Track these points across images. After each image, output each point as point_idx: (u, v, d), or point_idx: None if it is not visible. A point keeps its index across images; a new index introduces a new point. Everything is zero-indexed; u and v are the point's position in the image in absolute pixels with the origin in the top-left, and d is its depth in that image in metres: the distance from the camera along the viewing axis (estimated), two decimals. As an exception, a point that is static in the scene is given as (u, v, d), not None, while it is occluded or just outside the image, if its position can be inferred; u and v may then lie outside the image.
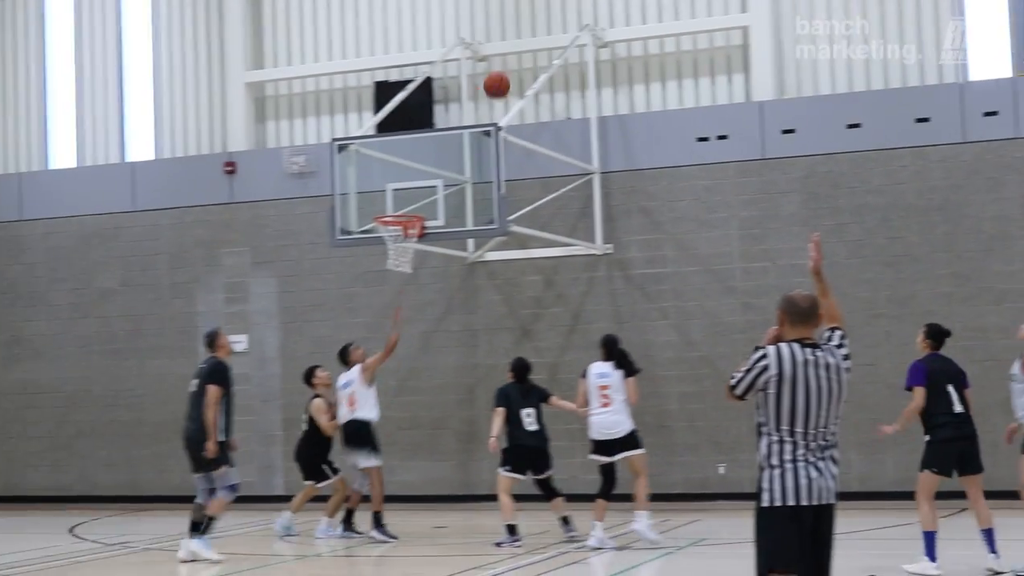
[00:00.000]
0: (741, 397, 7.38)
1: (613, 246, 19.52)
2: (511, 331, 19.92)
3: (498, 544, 14.74)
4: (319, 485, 16.64)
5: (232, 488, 14.56)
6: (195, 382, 14.87)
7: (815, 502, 7.17)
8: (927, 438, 12.25)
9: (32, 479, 22.63)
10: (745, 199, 19.10)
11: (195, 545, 14.45)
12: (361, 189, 17.38)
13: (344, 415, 16.41)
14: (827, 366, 7.36)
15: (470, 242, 19.79)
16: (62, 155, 23.81)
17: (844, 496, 17.35)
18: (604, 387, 14.70)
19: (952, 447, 12.11)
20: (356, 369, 16.60)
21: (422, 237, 16.86)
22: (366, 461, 16.16)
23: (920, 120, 18.40)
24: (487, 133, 16.81)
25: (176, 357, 21.78)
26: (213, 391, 14.40)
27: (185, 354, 21.69)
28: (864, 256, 18.48)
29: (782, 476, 7.17)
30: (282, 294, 21.28)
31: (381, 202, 17.15)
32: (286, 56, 22.33)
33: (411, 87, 19.89)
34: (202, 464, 14.61)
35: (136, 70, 23.40)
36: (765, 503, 7.19)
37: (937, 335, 12.59)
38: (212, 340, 15.21)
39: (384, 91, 20.88)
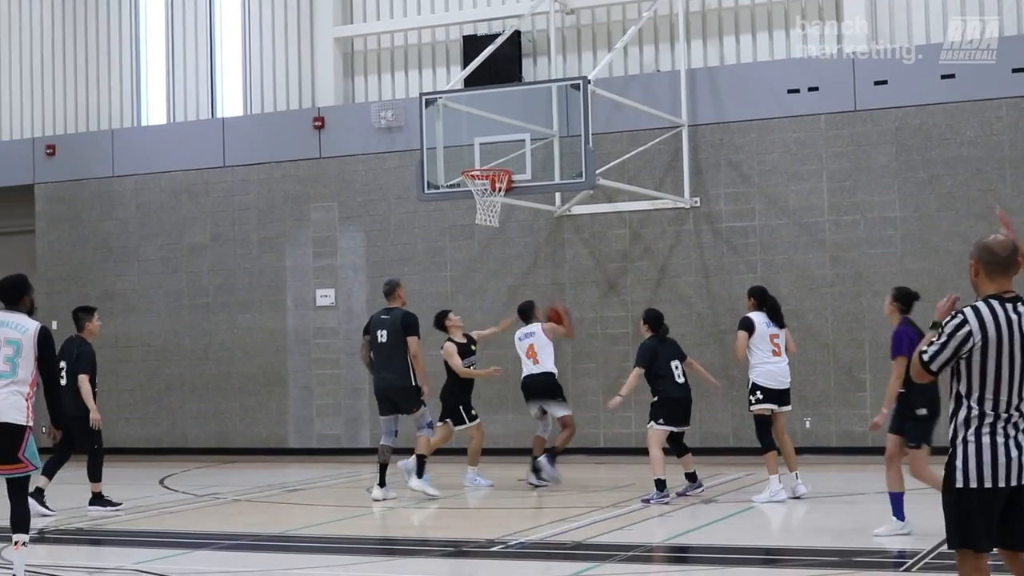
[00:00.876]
0: (937, 373, 6.58)
1: (700, 199, 19.36)
2: (597, 285, 19.84)
3: (645, 500, 14.31)
4: (456, 428, 16.55)
5: (430, 425, 15.59)
6: (384, 332, 15.53)
7: (1013, 483, 6.49)
8: (923, 412, 11.46)
9: (124, 431, 22.92)
10: (836, 151, 18.84)
11: (417, 484, 15.43)
12: (449, 143, 17.34)
13: (528, 367, 16.60)
14: None
15: (557, 196, 19.72)
16: (154, 112, 24.02)
17: (933, 450, 17.20)
18: (775, 336, 14.70)
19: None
20: (538, 325, 16.71)
21: (509, 191, 16.83)
22: (563, 410, 16.48)
23: (1016, 70, 18.02)
24: (575, 86, 16.68)
25: (265, 311, 21.96)
26: (415, 343, 15.42)
27: (274, 308, 21.88)
28: (956, 209, 18.18)
29: (978, 454, 6.47)
30: (370, 248, 21.34)
31: (469, 156, 17.13)
32: (375, 11, 22.31)
33: (499, 41, 19.80)
34: (401, 408, 15.59)
35: (226, 26, 23.52)
36: (959, 483, 6.52)
37: (907, 299, 12.02)
38: (393, 289, 15.95)
39: (472, 45, 20.82)
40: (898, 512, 11.48)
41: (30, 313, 10.12)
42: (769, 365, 14.60)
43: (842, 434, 18.50)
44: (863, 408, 18.42)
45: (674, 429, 14.82)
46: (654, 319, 15.19)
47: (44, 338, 9.91)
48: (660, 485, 14.35)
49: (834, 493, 15.30)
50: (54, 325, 23.40)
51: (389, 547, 12.60)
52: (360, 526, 14.08)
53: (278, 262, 21.99)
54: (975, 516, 6.51)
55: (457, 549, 11.86)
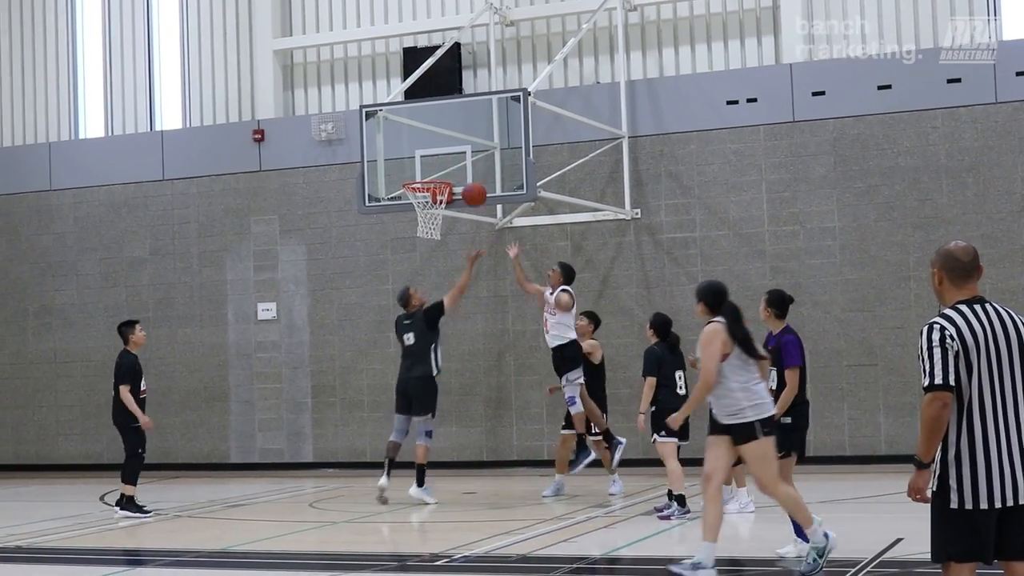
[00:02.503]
0: (952, 388, 6.22)
1: (641, 211, 19.43)
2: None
3: (664, 516, 13.79)
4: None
5: (428, 435, 16.19)
6: (411, 335, 16.43)
7: (1009, 503, 6.29)
8: (787, 420, 11.06)
9: (63, 447, 22.73)
10: (775, 162, 18.97)
11: (416, 492, 15.94)
12: (389, 156, 17.32)
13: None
14: (1006, 323, 6.44)
15: (499, 208, 19.72)
16: (91, 124, 23.84)
17: (873, 459, 17.35)
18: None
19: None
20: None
21: (451, 203, 16.80)
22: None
23: (951, 80, 18.21)
24: (516, 98, 16.70)
25: (206, 325, 21.84)
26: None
27: (215, 322, 21.75)
28: (894, 219, 18.34)
29: (973, 473, 6.26)
30: (311, 261, 21.28)
31: (410, 168, 17.10)
32: (314, 23, 22.28)
33: (439, 53, 19.80)
34: (418, 409, 16.22)
35: (165, 38, 23.39)
36: (953, 504, 6.31)
37: (782, 303, 11.51)
38: (407, 297, 16.84)
39: (412, 57, 20.80)
40: (800, 532, 10.76)
41: None
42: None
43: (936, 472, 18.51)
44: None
45: (682, 441, 14.12)
46: (661, 325, 14.58)
47: None
48: (681, 501, 13.85)
49: (773, 502, 15.32)
50: (-9, 340, 23.28)
51: (332, 563, 12.53)
52: (303, 541, 14.01)
53: (219, 276, 21.88)
54: (965, 533, 6.33)
55: (401, 564, 11.83)
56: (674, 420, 11.00)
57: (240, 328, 21.68)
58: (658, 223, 19.41)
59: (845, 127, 18.67)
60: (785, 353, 11.06)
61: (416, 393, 16.30)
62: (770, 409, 10.26)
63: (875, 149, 18.48)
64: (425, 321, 16.52)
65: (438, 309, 16.62)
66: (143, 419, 16.06)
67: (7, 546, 13.71)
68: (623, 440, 16.17)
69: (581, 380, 15.91)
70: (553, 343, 16.10)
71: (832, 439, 18.40)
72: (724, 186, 19.17)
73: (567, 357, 15.95)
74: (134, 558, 12.58)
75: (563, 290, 16.08)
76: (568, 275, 16.32)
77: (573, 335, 16.00)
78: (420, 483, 16.04)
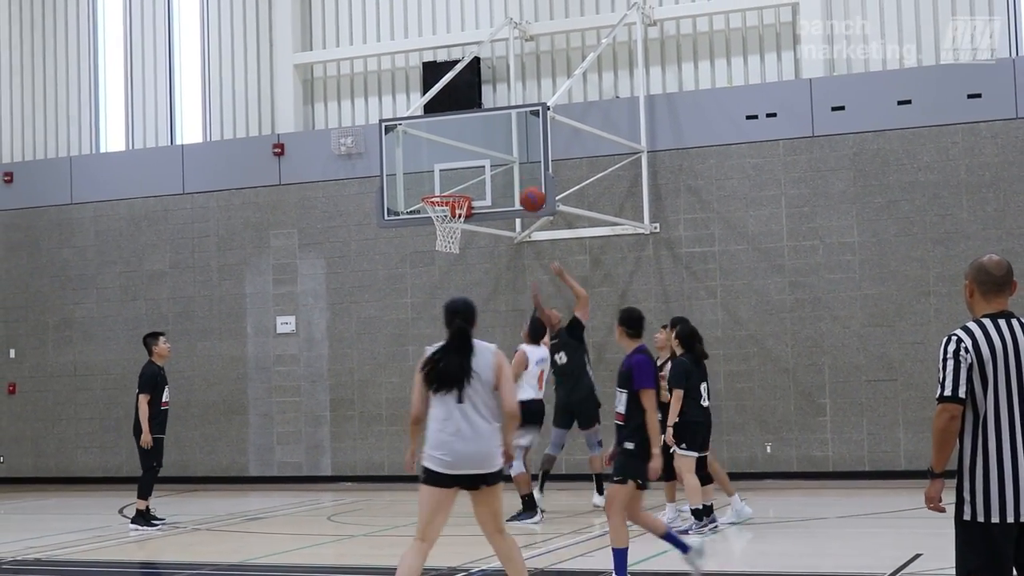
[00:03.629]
0: (962, 400, 6.28)
1: (660, 225, 19.42)
2: (558, 311, 19.81)
3: (686, 531, 13.47)
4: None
5: (600, 443, 15.83)
6: (562, 354, 16.07)
7: (1023, 518, 6.28)
8: (631, 446, 10.49)
9: (82, 460, 22.79)
10: (794, 177, 18.94)
11: (600, 500, 15.83)
12: (409, 170, 17.37)
13: (532, 392, 15.66)
14: None
15: (517, 222, 19.73)
16: (112, 139, 23.94)
17: (892, 475, 17.29)
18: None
19: None
20: (545, 348, 16.22)
21: (470, 217, 16.84)
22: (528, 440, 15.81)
23: (972, 96, 18.18)
24: (535, 113, 16.75)
25: (225, 339, 21.88)
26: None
27: (234, 335, 21.79)
28: (914, 234, 18.30)
29: (986, 486, 6.27)
30: (330, 275, 21.31)
31: (429, 182, 17.14)
32: (334, 37, 22.34)
33: (459, 67, 19.85)
34: (584, 422, 16.19)
35: (186, 53, 23.50)
36: (967, 516, 6.33)
37: (635, 323, 10.69)
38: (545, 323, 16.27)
39: (432, 71, 20.85)
40: (620, 569, 10.48)
41: None
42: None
43: (802, 459, 18.54)
44: (823, 433, 18.49)
45: (696, 454, 13.86)
46: (688, 335, 14.19)
47: None
48: (698, 515, 13.71)
49: (794, 518, 15.33)
50: (11, 354, 23.34)
51: (349, 575, 12.53)
52: (321, 555, 14.02)
53: (238, 289, 21.93)
54: (981, 548, 6.32)
55: (418, 577, 11.80)
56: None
57: (259, 341, 21.71)
58: (677, 237, 19.40)
59: (865, 142, 18.64)
60: (636, 375, 10.38)
61: (582, 408, 16.09)
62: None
63: (895, 164, 18.45)
64: (573, 338, 16.28)
65: (579, 325, 16.39)
66: (145, 436, 16.01)
67: (26, 558, 13.74)
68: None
69: (520, 443, 15.44)
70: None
71: (851, 454, 18.36)
72: (743, 201, 19.15)
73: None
74: (152, 571, 12.59)
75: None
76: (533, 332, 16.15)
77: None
78: (600, 491, 15.97)
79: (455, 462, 8.75)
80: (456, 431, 8.73)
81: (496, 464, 8.85)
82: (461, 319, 8.95)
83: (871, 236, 18.49)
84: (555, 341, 16.28)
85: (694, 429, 13.80)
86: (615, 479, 10.36)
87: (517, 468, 15.44)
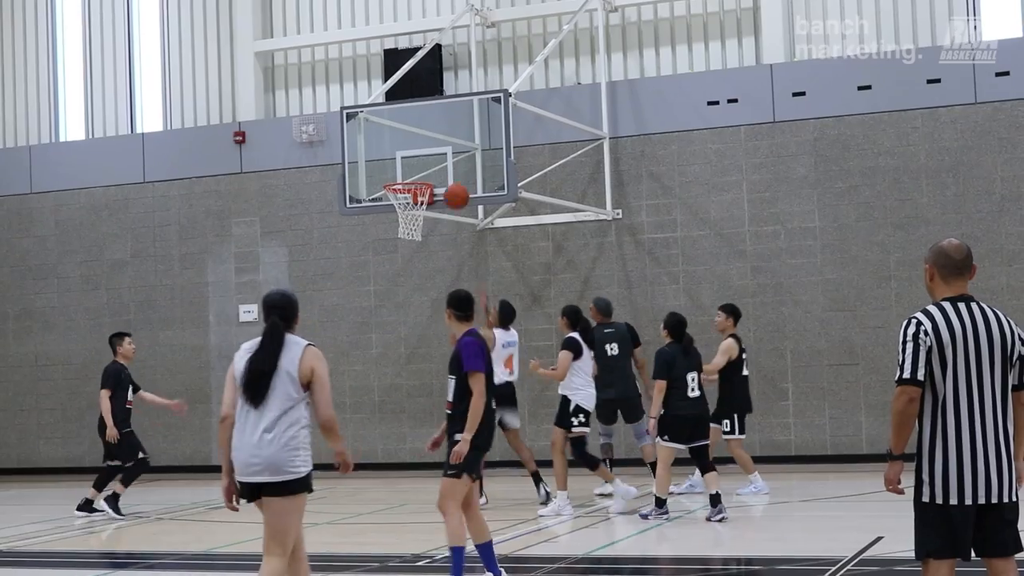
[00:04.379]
0: (921, 383, 6.35)
1: (623, 211, 19.44)
2: (521, 297, 19.86)
3: (644, 515, 13.66)
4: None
5: (647, 432, 14.90)
6: (615, 346, 15.98)
7: (981, 500, 6.37)
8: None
9: (44, 451, 22.69)
10: (755, 162, 19.00)
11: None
12: (370, 157, 17.35)
13: (504, 375, 15.52)
14: (990, 322, 6.46)
15: (480, 209, 19.72)
16: (72, 127, 23.78)
17: (854, 459, 17.41)
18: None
19: None
20: (515, 332, 16.22)
21: (432, 204, 16.83)
22: (517, 420, 16.07)
23: (931, 81, 18.27)
24: (496, 99, 16.74)
25: (187, 328, 21.81)
26: (639, 352, 16.50)
27: (196, 324, 21.73)
28: (874, 219, 18.39)
29: (945, 469, 6.36)
30: (292, 263, 21.26)
31: (391, 170, 17.12)
32: (295, 25, 22.25)
33: (420, 54, 19.81)
34: (632, 416, 16.18)
35: (145, 41, 23.36)
36: (925, 498, 6.43)
37: (459, 302, 10.41)
38: (609, 306, 16.51)
39: (393, 59, 20.81)
40: (491, 566, 10.25)
41: None
42: (591, 389, 14.84)
43: (765, 443, 18.60)
44: (786, 417, 18.58)
45: (681, 446, 13.79)
46: (675, 325, 13.97)
47: None
48: (660, 503, 13.64)
49: (756, 503, 15.40)
50: (-28, 344, 23.21)
51: (315, 564, 12.51)
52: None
53: (200, 278, 21.85)
54: (940, 530, 6.40)
55: (383, 565, 11.83)
56: None
57: (222, 330, 21.65)
58: (639, 223, 19.43)
59: (826, 127, 18.72)
60: (464, 356, 9.99)
61: (631, 402, 16.12)
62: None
63: (856, 149, 18.53)
64: (632, 337, 16.42)
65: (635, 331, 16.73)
66: (111, 431, 16.27)
67: (9, 548, 13.69)
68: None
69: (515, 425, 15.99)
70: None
71: (814, 438, 18.46)
72: (705, 186, 19.20)
73: None
74: (116, 561, 12.57)
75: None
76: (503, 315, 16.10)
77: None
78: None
79: (240, 468, 8.12)
80: (241, 433, 8.12)
81: (285, 474, 8.06)
82: (278, 314, 8.29)
83: (832, 221, 18.57)
84: (609, 331, 16.15)
85: (679, 422, 13.67)
86: (448, 473, 9.92)
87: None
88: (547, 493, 15.47)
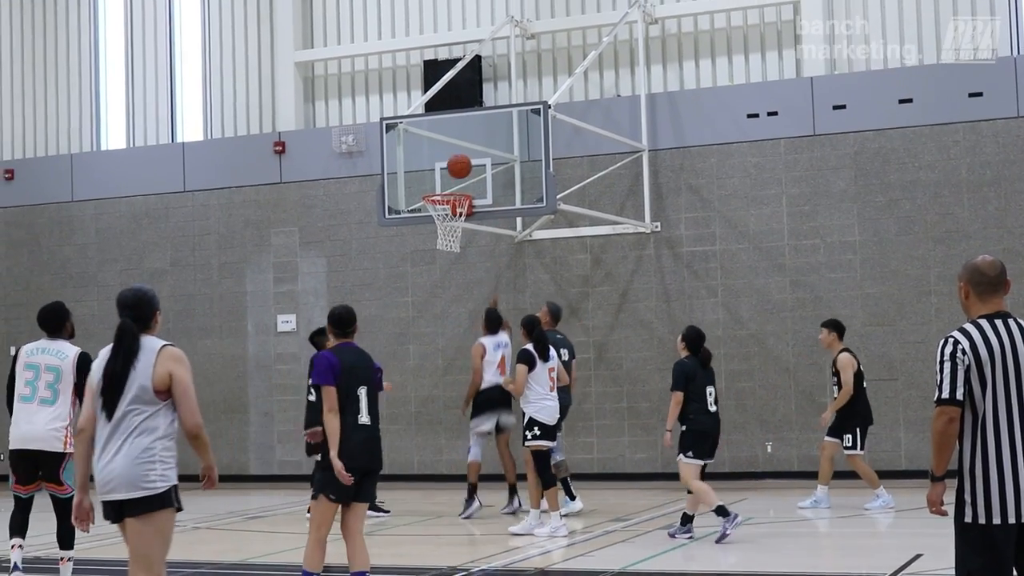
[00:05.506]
0: (960, 402, 6.30)
1: (661, 224, 19.41)
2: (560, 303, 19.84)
3: (672, 535, 13.53)
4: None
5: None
6: (564, 351, 15.88)
7: None
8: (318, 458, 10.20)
9: (85, 458, 22.77)
10: (795, 175, 18.94)
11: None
12: (410, 168, 17.35)
13: (495, 378, 15.85)
14: None
15: (518, 220, 19.73)
16: (113, 136, 23.96)
17: (893, 475, 17.29)
18: (551, 369, 14.47)
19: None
20: (505, 336, 16.38)
21: (470, 216, 16.83)
22: (512, 420, 16.10)
23: (973, 95, 18.17)
24: (536, 111, 16.75)
25: (225, 337, 21.89)
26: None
27: (234, 334, 21.80)
28: (915, 232, 18.29)
29: (986, 487, 6.29)
30: (331, 273, 21.32)
31: (430, 181, 17.14)
32: (335, 35, 22.33)
33: (460, 65, 19.84)
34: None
35: (187, 50, 23.51)
36: (967, 518, 6.35)
37: (339, 321, 9.98)
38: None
39: (433, 69, 20.85)
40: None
41: (70, 339, 11.17)
42: (547, 401, 14.40)
43: (803, 458, 18.51)
44: (824, 432, 18.46)
45: (704, 462, 13.60)
46: (694, 339, 13.74)
47: (83, 363, 10.21)
48: (721, 511, 13.13)
49: (794, 518, 15.33)
50: (12, 351, 23.29)
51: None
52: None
53: (239, 287, 21.94)
54: (982, 549, 6.33)
55: (419, 577, 11.84)
56: None
57: (260, 340, 21.72)
58: (678, 236, 19.39)
59: (866, 141, 18.64)
60: (313, 370, 9.89)
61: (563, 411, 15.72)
62: None
63: (896, 163, 18.45)
64: (571, 345, 16.63)
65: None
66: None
67: (27, 556, 13.74)
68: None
69: (480, 429, 16.04)
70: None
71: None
72: (744, 199, 19.15)
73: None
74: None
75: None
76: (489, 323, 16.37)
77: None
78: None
79: (99, 486, 7.50)
80: (100, 447, 7.49)
81: (141, 490, 7.45)
82: (129, 314, 7.63)
83: (872, 235, 18.49)
84: (560, 337, 16.22)
85: (702, 437, 13.51)
86: (313, 495, 9.78)
87: (473, 455, 16.03)
88: (519, 505, 15.74)
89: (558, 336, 16.19)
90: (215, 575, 12.37)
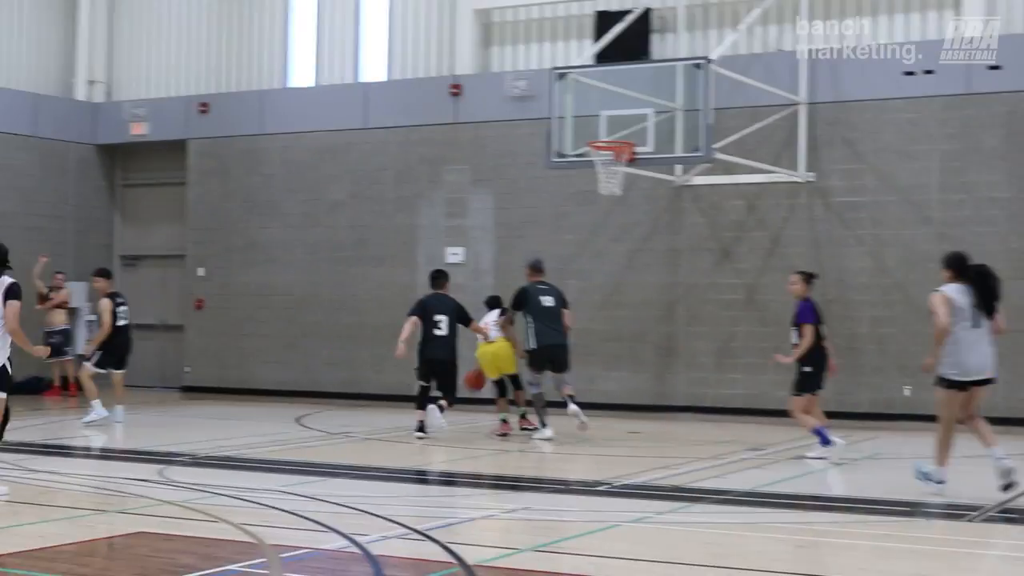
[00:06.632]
0: None
1: (815, 175, 20.19)
2: (712, 252, 20.82)
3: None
4: None
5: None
6: (551, 299, 17.68)
7: None
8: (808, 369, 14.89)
9: (262, 373, 24.39)
10: (948, 133, 19.56)
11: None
12: (577, 114, 18.34)
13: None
14: None
15: (677, 167, 20.65)
16: (301, 74, 25.41)
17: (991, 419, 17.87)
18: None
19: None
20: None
21: (632, 162, 17.78)
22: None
23: None
24: (697, 66, 17.61)
25: (397, 266, 23.21)
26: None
27: (406, 264, 23.12)
28: (1061, 193, 18.88)
29: None
30: (498, 210, 22.49)
31: (596, 127, 18.14)
32: (512, -15, 23.36)
33: (630, 18, 20.77)
34: (564, 367, 17.66)
35: (373, -4, 24.79)
36: None
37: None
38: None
39: (604, 20, 21.76)
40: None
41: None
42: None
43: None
44: (963, 380, 19.15)
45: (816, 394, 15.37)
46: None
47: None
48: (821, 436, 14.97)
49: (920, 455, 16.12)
50: (200, 272, 25.02)
51: (504, 483, 13.79)
52: (478, 465, 15.34)
53: (412, 220, 23.23)
54: None
55: (566, 487, 13.04)
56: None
57: (430, 270, 22.95)
58: (830, 187, 20.18)
59: (1019, 101, 19.19)
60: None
61: (564, 355, 17.71)
62: None
63: (1047, 124, 18.99)
64: (560, 291, 18.04)
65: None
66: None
67: (217, 455, 15.27)
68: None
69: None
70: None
71: (987, 399, 18.98)
72: (896, 154, 19.85)
73: None
74: (331, 471, 13.96)
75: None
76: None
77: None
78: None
79: None
80: None
81: None
82: None
83: (1019, 192, 19.09)
84: (543, 287, 17.86)
85: (817, 375, 15.40)
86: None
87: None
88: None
89: (540, 286, 17.84)
90: (386, 478, 13.67)
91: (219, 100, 25.33)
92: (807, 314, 15.15)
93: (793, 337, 15.29)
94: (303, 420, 20.08)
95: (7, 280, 11.50)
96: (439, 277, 18.21)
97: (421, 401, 17.47)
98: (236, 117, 24.95)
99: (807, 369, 15.12)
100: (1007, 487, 12.08)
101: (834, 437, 15.17)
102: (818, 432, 14.89)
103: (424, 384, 17.53)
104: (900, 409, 19.27)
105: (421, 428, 17.28)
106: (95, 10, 26.80)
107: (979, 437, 12.62)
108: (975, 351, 12.35)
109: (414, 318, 17.66)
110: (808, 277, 15.63)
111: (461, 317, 17.80)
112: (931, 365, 12.21)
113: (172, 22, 26.45)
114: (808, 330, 15.03)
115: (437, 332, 17.54)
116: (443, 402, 17.35)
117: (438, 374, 17.55)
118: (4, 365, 11.40)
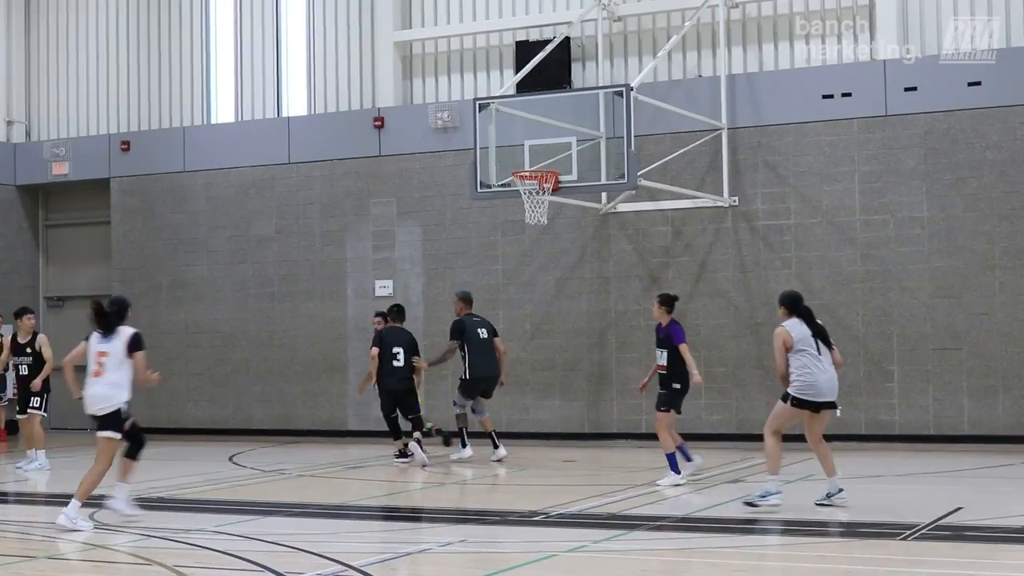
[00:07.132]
0: None
1: (739, 199, 20.39)
2: (640, 279, 20.95)
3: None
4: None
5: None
6: (484, 331, 18.62)
7: None
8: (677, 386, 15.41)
9: (192, 412, 24.25)
10: (867, 154, 19.83)
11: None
12: (500, 144, 18.41)
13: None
14: None
15: (603, 195, 20.75)
16: (223, 110, 25.33)
17: (955, 439, 18.18)
18: (103, 354, 13.12)
19: None
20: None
21: (557, 190, 17.88)
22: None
23: (1040, 78, 18.98)
24: (619, 94, 17.73)
25: (327, 301, 23.18)
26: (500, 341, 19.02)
27: (335, 298, 23.09)
28: (980, 210, 19.16)
29: None
30: (426, 242, 22.52)
31: (520, 156, 18.22)
32: (432, 16, 23.41)
33: (550, 47, 20.90)
34: (491, 394, 18.81)
35: (292, 29, 24.74)
36: None
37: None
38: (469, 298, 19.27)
39: (524, 50, 21.92)
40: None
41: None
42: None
43: (870, 422, 19.49)
44: (891, 398, 19.43)
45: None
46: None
47: None
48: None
49: (861, 475, 16.29)
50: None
51: (440, 516, 13.77)
52: (412, 499, 15.29)
53: (339, 254, 23.21)
54: None
55: (502, 518, 13.04)
56: None
57: (359, 303, 22.98)
58: (754, 211, 20.38)
59: (935, 122, 19.49)
60: None
61: (494, 385, 18.72)
62: None
63: (964, 143, 19.30)
64: (490, 322, 19.00)
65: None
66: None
67: (151, 496, 15.12)
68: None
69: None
70: None
71: (917, 419, 19.29)
72: (818, 176, 20.09)
73: None
74: (266, 509, 13.88)
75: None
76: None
77: None
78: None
79: None
80: None
81: None
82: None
83: (940, 211, 19.37)
84: (476, 319, 18.86)
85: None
86: None
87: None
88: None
89: (475, 318, 18.76)
90: (320, 514, 13.61)
91: (141, 138, 25.20)
92: (681, 335, 15.54)
93: (660, 358, 15.59)
94: (236, 458, 19.96)
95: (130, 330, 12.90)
96: (398, 311, 19.06)
97: (395, 432, 18.50)
98: (159, 154, 24.83)
99: (676, 386, 15.44)
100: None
101: (694, 455, 15.77)
102: (673, 457, 15.25)
103: (391, 416, 18.50)
104: (832, 430, 19.35)
105: (402, 454, 18.33)
106: (12, 49, 26.59)
107: (822, 461, 13.59)
108: (826, 375, 13.28)
109: (375, 350, 18.50)
110: (670, 300, 16.04)
111: (415, 351, 18.69)
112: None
113: (91, 60, 26.29)
114: (686, 349, 15.41)
115: (395, 364, 18.40)
116: (418, 434, 18.22)
117: (399, 403, 18.49)
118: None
